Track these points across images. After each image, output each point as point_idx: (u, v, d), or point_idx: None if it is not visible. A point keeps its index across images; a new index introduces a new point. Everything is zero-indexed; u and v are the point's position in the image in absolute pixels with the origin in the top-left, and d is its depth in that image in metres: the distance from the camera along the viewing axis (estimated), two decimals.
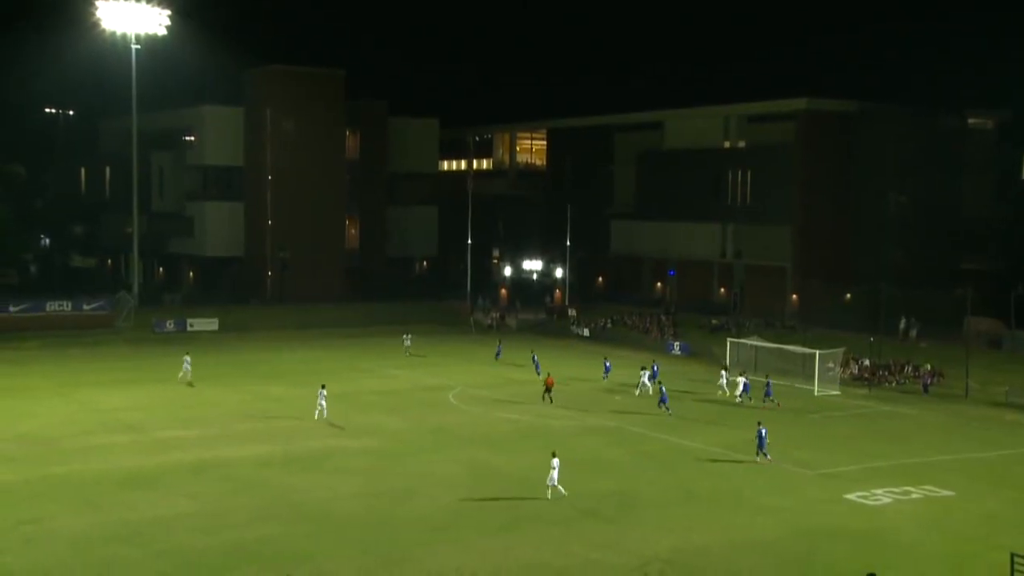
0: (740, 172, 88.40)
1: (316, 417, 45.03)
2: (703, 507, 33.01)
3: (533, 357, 60.49)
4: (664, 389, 49.78)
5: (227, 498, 32.94)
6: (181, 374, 54.70)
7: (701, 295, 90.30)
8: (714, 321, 79.70)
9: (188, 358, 56.00)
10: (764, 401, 50.91)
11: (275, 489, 34.12)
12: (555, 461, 33.29)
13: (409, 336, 68.21)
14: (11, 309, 75.88)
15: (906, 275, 76.90)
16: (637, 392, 53.03)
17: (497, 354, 65.14)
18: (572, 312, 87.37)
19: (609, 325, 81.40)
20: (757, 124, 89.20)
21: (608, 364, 58.56)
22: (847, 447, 42.46)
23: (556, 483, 33.16)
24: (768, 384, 51.80)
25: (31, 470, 36.03)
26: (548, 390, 50.54)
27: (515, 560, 27.46)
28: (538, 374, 56.66)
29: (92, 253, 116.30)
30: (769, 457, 38.81)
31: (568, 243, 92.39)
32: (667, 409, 48.03)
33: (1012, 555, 25.55)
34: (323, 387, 46.27)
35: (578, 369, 60.87)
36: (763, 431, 39.17)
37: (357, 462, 38.14)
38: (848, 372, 60.16)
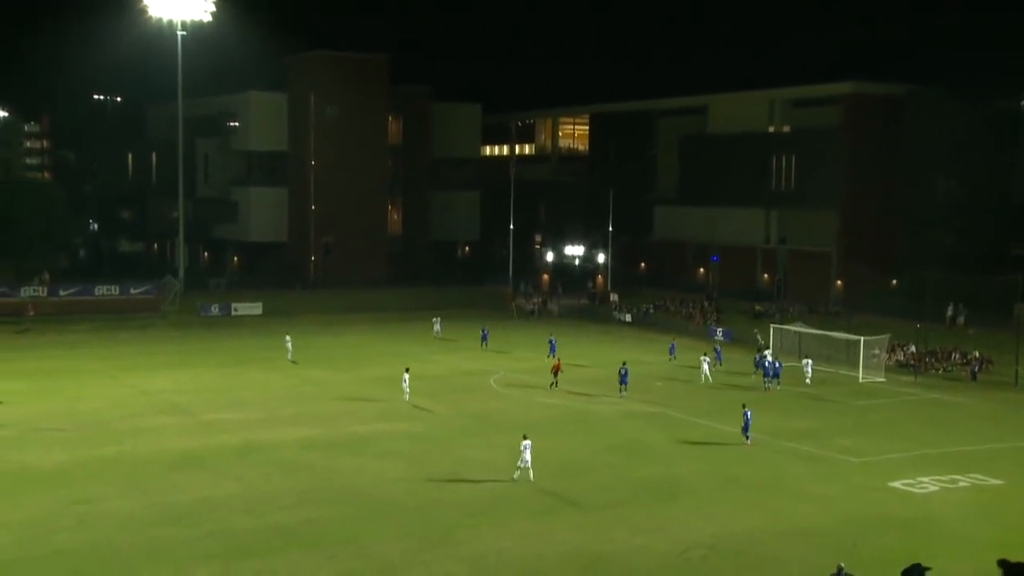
0: (784, 157, 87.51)
1: (406, 399, 45.74)
2: (746, 493, 32.83)
3: (550, 340, 60.06)
4: (626, 371, 49.19)
5: (272, 480, 33.31)
6: (289, 355, 56.91)
7: (744, 281, 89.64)
8: (757, 307, 79.10)
9: (288, 338, 58.23)
10: (762, 377, 51.59)
11: (319, 472, 34.44)
12: (526, 443, 33.22)
13: (439, 320, 68.54)
14: (61, 293, 77.18)
15: (954, 261, 75.74)
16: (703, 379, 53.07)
17: (483, 338, 64.10)
18: (614, 297, 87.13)
19: (651, 311, 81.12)
20: (802, 108, 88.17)
21: (674, 345, 59.85)
22: (892, 434, 41.95)
23: (529, 465, 33.12)
24: (764, 360, 52.53)
25: (84, 451, 36.69)
26: (555, 375, 50.39)
27: (557, 544, 27.50)
28: (551, 356, 56.70)
29: (139, 238, 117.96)
30: (749, 441, 38.49)
31: (610, 228, 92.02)
32: (624, 390, 48.47)
33: None
34: (407, 370, 46.80)
35: (621, 355, 60.60)
36: (748, 413, 38.99)
37: (400, 446, 38.36)
38: (893, 359, 59.40)
